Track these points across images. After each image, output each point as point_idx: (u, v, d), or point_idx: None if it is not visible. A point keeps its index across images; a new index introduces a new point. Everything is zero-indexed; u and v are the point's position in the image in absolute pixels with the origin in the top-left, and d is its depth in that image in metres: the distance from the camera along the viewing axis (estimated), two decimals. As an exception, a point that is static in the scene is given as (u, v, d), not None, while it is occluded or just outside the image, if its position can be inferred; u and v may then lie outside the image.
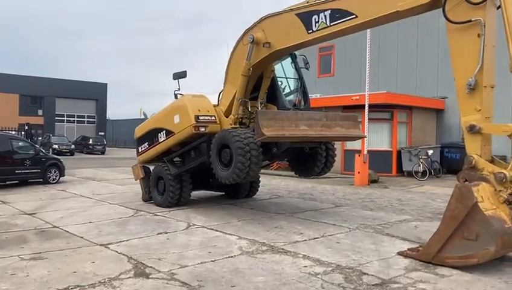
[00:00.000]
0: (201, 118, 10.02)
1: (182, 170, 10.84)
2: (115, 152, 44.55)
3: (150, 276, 5.66)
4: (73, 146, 40.23)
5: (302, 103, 10.66)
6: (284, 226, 8.74)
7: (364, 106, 16.90)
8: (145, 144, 11.68)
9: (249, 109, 9.98)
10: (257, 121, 8.32)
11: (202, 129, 10.01)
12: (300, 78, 10.76)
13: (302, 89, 10.74)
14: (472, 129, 6.16)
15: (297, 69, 10.77)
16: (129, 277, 5.59)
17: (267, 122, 8.35)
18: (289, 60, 10.77)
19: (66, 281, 5.40)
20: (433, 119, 21.65)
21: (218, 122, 10.21)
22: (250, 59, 9.36)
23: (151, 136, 11.41)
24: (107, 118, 62.20)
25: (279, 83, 10.47)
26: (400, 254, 6.67)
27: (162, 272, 5.80)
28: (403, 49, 23.29)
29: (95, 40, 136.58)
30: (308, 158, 10.50)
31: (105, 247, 7.11)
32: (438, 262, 6.10)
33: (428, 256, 6.22)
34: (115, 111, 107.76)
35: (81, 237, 7.78)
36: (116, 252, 6.82)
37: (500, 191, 5.90)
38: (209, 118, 10.14)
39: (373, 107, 17.61)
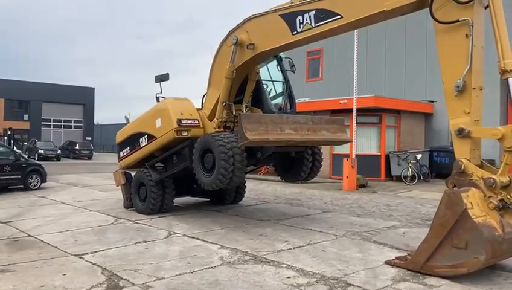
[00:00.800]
0: (183, 121, 9.69)
1: (164, 175, 10.51)
2: (102, 157, 43.98)
3: (123, 289, 5.32)
4: (59, 151, 39.64)
5: (288, 107, 10.42)
6: (268, 234, 8.45)
7: (352, 109, 16.71)
8: (127, 149, 11.34)
9: (234, 113, 9.69)
10: (240, 124, 8.03)
11: (185, 133, 9.69)
12: (286, 81, 10.51)
13: (287, 92, 10.50)
14: (461, 133, 5.94)
15: (283, 72, 10.53)
16: (100, 291, 5.26)
17: (250, 126, 8.06)
18: (275, 62, 10.53)
19: (32, 296, 5.06)
20: (422, 123, 21.54)
21: (201, 126, 9.89)
22: (233, 61, 9.10)
23: (132, 141, 11.07)
24: (95, 122, 61.62)
25: (265, 86, 10.22)
26: (388, 263, 6.41)
27: (137, 285, 5.47)
28: (391, 53, 23.19)
29: (84, 45, 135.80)
30: (294, 163, 10.24)
31: (80, 257, 6.76)
32: (427, 271, 5.85)
33: (417, 265, 5.97)
34: (103, 116, 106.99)
35: (55, 247, 7.41)
36: (90, 263, 6.47)
37: (490, 197, 5.68)
38: (192, 121, 9.82)
39: (361, 111, 17.45)
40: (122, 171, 11.68)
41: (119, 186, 11.86)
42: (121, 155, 11.57)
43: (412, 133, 20.78)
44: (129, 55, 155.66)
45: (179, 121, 9.62)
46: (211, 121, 9.77)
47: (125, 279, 5.70)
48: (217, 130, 9.49)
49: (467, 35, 5.86)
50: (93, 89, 57.72)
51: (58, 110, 53.54)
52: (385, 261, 6.47)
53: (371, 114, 19.13)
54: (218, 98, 9.52)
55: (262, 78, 10.14)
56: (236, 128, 9.72)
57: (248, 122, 8.10)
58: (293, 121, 8.90)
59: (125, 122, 12.38)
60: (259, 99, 10.01)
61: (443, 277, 5.69)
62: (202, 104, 10.25)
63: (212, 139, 8.55)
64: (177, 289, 5.34)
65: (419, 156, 18.54)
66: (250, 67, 9.55)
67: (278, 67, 10.54)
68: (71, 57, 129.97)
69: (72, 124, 55.59)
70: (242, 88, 9.91)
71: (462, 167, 5.89)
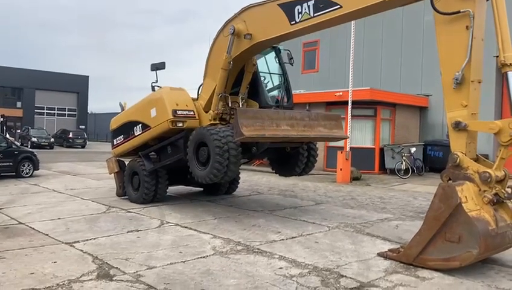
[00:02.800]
0: (179, 112, 9.57)
1: (157, 166, 10.44)
2: (96, 146, 43.80)
3: (114, 278, 5.27)
4: (52, 139, 39.40)
5: (285, 100, 10.34)
6: (261, 225, 8.42)
7: (347, 102, 16.66)
8: (121, 137, 11.22)
9: (230, 105, 9.62)
10: (236, 119, 7.96)
11: (180, 124, 9.58)
12: (284, 74, 10.43)
13: (285, 85, 10.42)
14: (458, 126, 5.90)
15: (281, 64, 10.44)
16: (91, 279, 5.20)
17: (246, 122, 7.99)
18: (273, 54, 10.44)
19: (21, 283, 4.99)
20: (417, 116, 21.54)
21: (196, 117, 9.79)
22: (230, 52, 8.99)
23: (126, 129, 10.95)
24: (89, 111, 61.20)
25: (262, 78, 10.13)
26: (380, 255, 6.40)
27: (128, 274, 5.42)
28: (387, 46, 23.11)
29: (79, 33, 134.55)
30: (290, 158, 10.18)
31: (71, 245, 6.70)
32: (419, 264, 5.84)
33: (409, 258, 5.96)
34: (98, 105, 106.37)
35: (46, 235, 7.34)
36: (81, 251, 6.41)
37: (484, 191, 5.66)
38: (187, 112, 9.70)
39: (357, 104, 17.41)
40: (115, 159, 11.58)
41: (112, 174, 11.77)
42: (115, 143, 11.47)
43: (406, 126, 20.78)
44: (124, 45, 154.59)
45: (174, 111, 9.51)
46: (206, 112, 9.68)
47: (116, 268, 5.65)
48: (213, 122, 9.42)
49: (467, 27, 5.79)
50: (87, 77, 57.23)
51: (52, 98, 53.05)
52: (378, 254, 6.46)
53: (366, 107, 19.09)
54: (214, 88, 9.42)
55: (259, 70, 10.04)
56: (232, 120, 9.65)
57: (244, 117, 8.02)
58: (290, 116, 8.85)
59: (120, 110, 12.21)
60: (256, 91, 9.93)
61: (435, 270, 5.69)
62: (198, 94, 10.15)
63: (207, 133, 8.48)
64: (169, 278, 5.30)
65: (413, 149, 18.56)
66: (247, 58, 9.46)
67: (276, 60, 10.46)
68: (65, 45, 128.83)
69: (66, 112, 55.15)
70: (238, 80, 9.83)
71: (458, 161, 5.86)
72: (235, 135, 8.08)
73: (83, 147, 41.79)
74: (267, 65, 10.44)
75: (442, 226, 5.62)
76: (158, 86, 10.24)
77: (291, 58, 10.59)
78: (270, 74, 10.47)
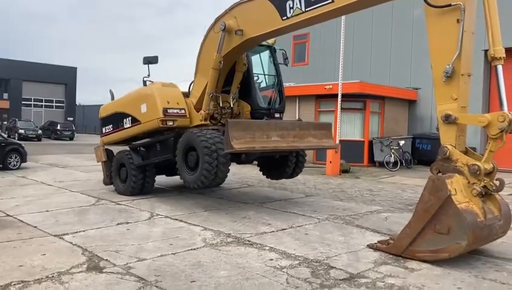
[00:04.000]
0: (169, 111, 9.51)
1: (145, 163, 10.44)
2: (84, 138, 43.43)
3: (104, 270, 5.25)
4: (40, 131, 39.02)
5: (278, 101, 10.34)
6: (251, 217, 8.44)
7: (337, 95, 16.69)
8: (110, 126, 11.10)
9: (221, 104, 9.64)
10: (227, 131, 7.96)
11: (170, 123, 9.55)
12: (277, 75, 10.43)
13: (278, 87, 10.42)
14: (447, 119, 5.94)
15: (275, 64, 10.43)
16: (81, 271, 5.18)
17: (237, 134, 8.01)
18: (268, 53, 10.42)
19: (10, 276, 4.95)
20: (406, 110, 21.68)
21: (187, 116, 9.75)
22: (221, 52, 8.98)
23: (116, 120, 10.84)
24: (78, 103, 60.63)
25: (255, 78, 10.10)
26: (370, 246, 6.45)
27: (118, 266, 5.40)
28: (377, 39, 23.16)
29: (68, 25, 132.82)
30: (278, 163, 10.19)
31: (60, 238, 6.66)
32: (408, 256, 5.90)
33: (399, 249, 6.01)
34: (85, 97, 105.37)
35: (35, 227, 7.28)
36: (71, 243, 6.37)
37: (473, 183, 5.72)
38: (178, 111, 9.64)
39: (346, 97, 17.44)
40: (103, 148, 11.52)
41: (100, 163, 11.71)
42: (104, 131, 11.35)
43: (395, 119, 20.91)
44: (113, 36, 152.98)
45: (165, 110, 9.45)
46: (198, 110, 9.66)
47: (106, 260, 5.63)
48: (203, 122, 9.44)
49: (458, 20, 5.81)
50: (75, 68, 56.65)
51: (39, 90, 52.44)
52: (367, 245, 6.51)
53: (356, 100, 19.17)
54: (206, 85, 9.40)
55: (253, 70, 10.03)
56: (223, 119, 9.70)
57: (235, 129, 8.03)
58: (281, 127, 8.90)
59: (110, 97, 12.00)
60: (248, 93, 9.92)
61: (424, 261, 5.75)
62: (189, 92, 10.10)
63: (195, 137, 8.48)
64: (159, 270, 5.29)
65: (402, 142, 18.69)
66: (239, 55, 9.46)
67: (271, 59, 10.44)
68: (52, 37, 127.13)
69: (54, 104, 54.56)
70: (230, 78, 9.83)
71: (447, 153, 5.91)
72: (224, 146, 8.08)
73: (71, 139, 41.43)
74: (261, 65, 10.44)
75: (432, 218, 5.67)
76: (150, 81, 10.12)
77: (286, 58, 10.62)
78: (264, 75, 10.52)
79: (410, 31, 21.07)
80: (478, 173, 5.67)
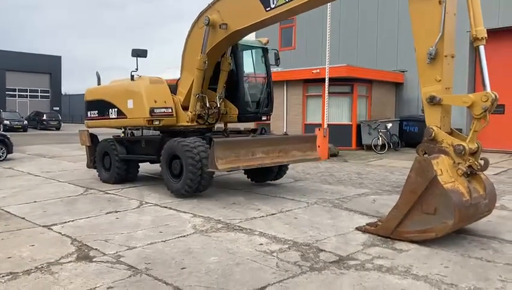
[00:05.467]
0: (156, 110, 9.48)
1: (129, 157, 10.43)
2: (71, 128, 42.95)
3: (94, 259, 5.24)
4: (26, 122, 38.50)
5: (265, 103, 10.33)
6: (241, 202, 8.46)
7: (325, 79, 16.68)
8: (95, 112, 10.95)
9: (207, 105, 9.64)
10: (212, 151, 7.99)
11: (156, 122, 9.56)
12: (267, 76, 10.39)
13: (267, 89, 10.38)
14: (432, 100, 5.99)
15: (266, 66, 10.40)
16: (70, 261, 5.16)
17: (222, 154, 8.06)
18: (260, 54, 10.38)
19: (-2, 268, 4.93)
20: (393, 92, 21.77)
21: (174, 115, 9.73)
22: (205, 50, 8.97)
23: (101, 107, 10.68)
24: (63, 93, 59.82)
25: (245, 78, 10.06)
26: (359, 229, 6.52)
27: (108, 255, 5.39)
28: (363, 22, 23.12)
29: (51, 13, 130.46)
30: (262, 170, 10.08)
31: (48, 228, 6.62)
32: (397, 237, 5.98)
33: (387, 231, 6.09)
34: (71, 86, 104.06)
35: (23, 218, 7.23)
36: (60, 233, 6.35)
37: (459, 163, 5.80)
38: (165, 110, 9.62)
39: (333, 81, 17.45)
40: (88, 133, 11.44)
41: (84, 146, 11.72)
42: (89, 115, 11.20)
43: (382, 102, 21.00)
44: (98, 24, 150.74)
45: (152, 110, 9.41)
46: (185, 108, 9.62)
47: (96, 249, 5.62)
48: (190, 123, 9.52)
49: (440, 1, 5.83)
50: (59, 57, 55.70)
51: (24, 80, 51.55)
52: (356, 228, 6.58)
53: (343, 84, 19.18)
54: (192, 82, 9.36)
55: (244, 70, 10.02)
56: (210, 119, 9.71)
57: (220, 149, 8.06)
58: (266, 143, 8.98)
59: (96, 80, 11.78)
60: (236, 96, 9.92)
61: (412, 242, 5.83)
62: (176, 89, 10.02)
63: (180, 147, 8.54)
64: (149, 258, 5.29)
65: (389, 125, 18.80)
66: (224, 49, 9.47)
67: (263, 60, 10.38)
68: (36, 25, 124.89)
69: (39, 93, 53.75)
70: (217, 76, 9.86)
71: (433, 134, 5.97)
72: (209, 165, 8.12)
73: (58, 129, 41.02)
74: (253, 65, 10.42)
75: (419, 199, 5.74)
76: (138, 75, 9.96)
77: (278, 58, 10.57)
78: (255, 77, 10.52)
79: (396, 13, 21.07)
80: (463, 153, 5.74)
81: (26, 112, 46.05)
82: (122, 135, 11.01)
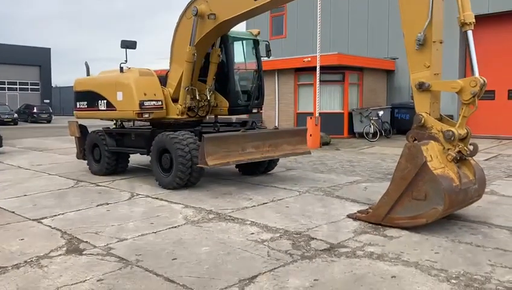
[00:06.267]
0: (146, 103, 9.38)
1: (119, 150, 10.37)
2: (62, 120, 42.51)
3: (84, 252, 5.21)
4: (16, 115, 38.16)
5: (256, 95, 10.28)
6: (233, 192, 8.45)
7: (316, 67, 16.63)
8: (84, 103, 10.80)
9: (197, 97, 9.59)
10: (202, 146, 7.98)
11: (146, 115, 9.48)
12: (258, 69, 10.31)
13: (258, 82, 10.31)
14: (421, 87, 5.99)
15: (257, 58, 10.32)
16: (60, 254, 5.13)
17: (212, 150, 8.05)
18: (250, 46, 10.30)
19: (-13, 262, 4.88)
20: (384, 80, 21.77)
21: (164, 108, 9.65)
22: (194, 42, 8.89)
23: (91, 98, 10.54)
24: (54, 85, 59.26)
25: (235, 70, 9.99)
26: (350, 216, 6.54)
27: (98, 247, 5.37)
28: (354, 10, 23.03)
29: (38, 4, 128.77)
30: (252, 163, 9.96)
31: (38, 222, 6.57)
32: (388, 223, 6.00)
33: (378, 218, 6.11)
34: (62, 78, 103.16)
35: (12, 212, 7.17)
36: (50, 227, 6.30)
37: (448, 149, 5.82)
38: (155, 103, 9.52)
39: (325, 69, 17.41)
40: (77, 124, 11.35)
41: (73, 137, 11.67)
42: (78, 106, 11.06)
43: (374, 90, 21.01)
44: (87, 14, 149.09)
45: (141, 103, 9.31)
46: (175, 100, 9.56)
47: (86, 242, 5.59)
48: (180, 116, 9.48)
49: None
50: (49, 49, 55.11)
51: (13, 72, 50.95)
52: (347, 215, 6.59)
53: (334, 72, 19.15)
54: (182, 74, 9.30)
55: (234, 63, 9.94)
56: (200, 111, 9.67)
57: (210, 145, 8.04)
58: (256, 138, 8.96)
59: (85, 70, 11.64)
60: (227, 89, 9.85)
61: (403, 228, 5.86)
62: (166, 81, 9.93)
63: (171, 141, 8.50)
64: (140, 249, 5.27)
65: (381, 112, 18.83)
66: (212, 41, 9.38)
67: (254, 52, 10.30)
68: (23, 16, 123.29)
69: (29, 86, 53.21)
70: (207, 68, 9.80)
71: (422, 121, 5.98)
72: (199, 160, 8.11)
73: (49, 121, 40.71)
74: (243, 57, 10.33)
75: (409, 185, 5.75)
76: (127, 67, 9.84)
77: (269, 50, 10.48)
78: (245, 69, 10.46)
79: (387, 1, 20.98)
80: (452, 138, 5.75)
81: (16, 105, 45.64)
82: (114, 126, 10.91)
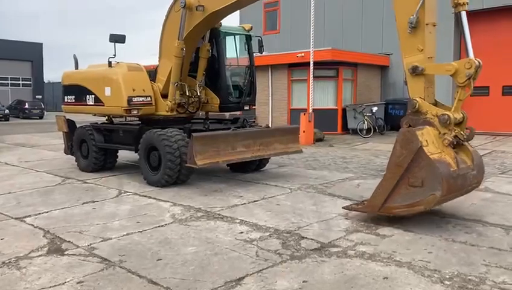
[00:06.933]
0: (134, 99, 9.15)
1: (107, 146, 10.17)
2: (54, 116, 42.20)
3: (66, 252, 5.03)
4: (7, 111, 37.66)
5: (248, 92, 10.09)
6: (223, 190, 8.28)
7: (309, 63, 16.45)
8: (72, 97, 10.57)
9: (187, 93, 9.38)
10: (191, 145, 7.78)
11: (134, 112, 9.27)
12: (251, 65, 10.13)
13: (250, 78, 10.12)
14: (415, 71, 5.78)
15: (250, 53, 10.13)
16: (40, 255, 4.94)
17: (201, 148, 7.86)
18: (243, 41, 10.13)
19: (-37, 263, 4.68)
20: (378, 76, 21.62)
21: (153, 104, 9.43)
22: (182, 36, 8.72)
23: (79, 93, 10.30)
24: (48, 80, 58.66)
25: (227, 66, 9.80)
26: (346, 208, 6.33)
27: (81, 247, 5.18)
28: (348, 5, 22.85)
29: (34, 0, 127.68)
30: (243, 162, 9.76)
31: (21, 220, 6.37)
32: (385, 213, 5.78)
33: (374, 208, 5.86)
34: (54, 74, 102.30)
35: (-5, 211, 6.97)
36: (32, 225, 6.10)
37: (444, 134, 5.60)
38: (143, 99, 9.29)
39: (318, 65, 17.24)
40: (65, 119, 11.14)
41: (61, 132, 11.49)
42: (66, 100, 10.83)
43: (368, 86, 20.86)
44: (80, 9, 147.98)
45: (130, 99, 9.08)
46: (164, 96, 9.36)
47: (69, 241, 5.40)
48: (169, 113, 9.27)
49: None
50: (41, 44, 54.38)
51: (3, 68, 50.16)
52: (343, 207, 6.41)
53: (328, 67, 18.97)
54: (171, 69, 9.11)
55: (226, 58, 9.77)
56: (191, 107, 9.51)
57: (199, 144, 7.84)
58: (247, 136, 8.75)
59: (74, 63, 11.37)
60: (218, 85, 9.65)
61: (400, 217, 5.75)
62: (155, 77, 9.71)
63: (159, 139, 8.32)
64: (124, 249, 5.09)
65: (374, 108, 18.68)
66: (201, 34, 9.20)
67: (246, 47, 10.12)
68: (15, 11, 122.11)
69: (20, 82, 52.53)
70: (197, 64, 9.61)
71: (417, 106, 5.76)
72: (188, 159, 7.92)
73: (41, 117, 40.24)
74: (236, 53, 10.15)
75: (405, 172, 5.52)
76: (116, 62, 9.62)
77: (262, 46, 10.29)
78: (238, 65, 10.27)
79: (381, -4, 20.83)
80: (448, 122, 5.55)
81: (7, 101, 45.06)
82: (107, 121, 10.68)
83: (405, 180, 5.57)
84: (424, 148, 5.39)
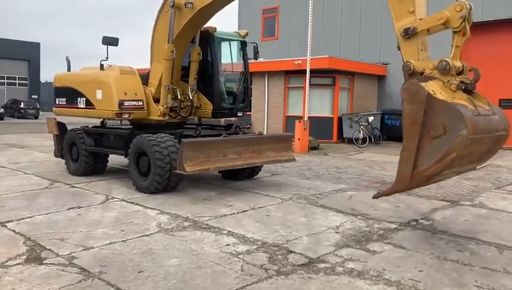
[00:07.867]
0: (126, 103, 9.00)
1: (97, 150, 10.01)
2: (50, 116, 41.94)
3: (45, 261, 4.85)
4: (2, 110, 37.43)
5: (241, 99, 9.98)
6: (213, 198, 8.11)
7: (306, 71, 16.35)
8: (63, 100, 10.43)
9: (179, 97, 9.25)
10: (181, 151, 7.62)
11: (125, 116, 9.14)
12: (245, 72, 10.03)
13: (244, 85, 10.01)
14: (407, 32, 5.53)
15: (244, 60, 10.03)
16: (18, 264, 4.76)
17: (191, 155, 7.69)
18: (238, 47, 10.03)
19: None
20: (375, 85, 21.56)
21: (145, 108, 9.28)
22: (172, 38, 8.64)
23: (70, 95, 10.15)
24: (45, 80, 58.37)
25: (221, 71, 9.67)
26: (375, 197, 5.97)
27: (61, 256, 5.00)
28: (346, 14, 22.81)
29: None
30: (235, 169, 9.54)
31: (2, 226, 6.17)
32: (418, 180, 5.28)
33: (405, 181, 5.33)
34: (51, 74, 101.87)
35: (-23, 214, 6.77)
36: (13, 231, 5.92)
37: (448, 81, 5.25)
38: (135, 103, 9.14)
39: (315, 73, 17.14)
40: (56, 122, 11.00)
41: (52, 134, 11.34)
42: (57, 102, 10.69)
43: (365, 95, 20.78)
44: (79, 9, 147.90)
45: (121, 103, 8.93)
46: (156, 100, 9.23)
47: (49, 249, 5.22)
48: (161, 118, 9.13)
49: None
50: (38, 44, 54.22)
51: (0, 67, 50.09)
52: (373, 197, 6.10)
53: (325, 76, 18.88)
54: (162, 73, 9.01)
55: (220, 64, 9.67)
56: (183, 112, 9.38)
57: (189, 150, 7.69)
58: (239, 143, 8.59)
59: (66, 65, 11.23)
60: (211, 91, 9.53)
61: (391, 232, 5.57)
62: (147, 80, 9.58)
63: (149, 144, 8.17)
64: (105, 259, 4.92)
65: (371, 118, 18.58)
66: (192, 33, 9.10)
67: (241, 53, 10.02)
68: (13, 9, 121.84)
69: (16, 81, 52.26)
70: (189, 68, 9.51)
71: (412, 67, 5.45)
72: (177, 166, 7.75)
73: (36, 117, 40.00)
74: (230, 59, 10.03)
75: (422, 127, 5.09)
76: (108, 64, 9.47)
77: (257, 52, 10.18)
78: (232, 71, 10.16)
79: (380, 5, 20.78)
80: (448, 67, 5.22)
81: (3, 100, 44.81)
82: (101, 124, 10.53)
83: (425, 135, 5.08)
84: (433, 95, 5.01)
